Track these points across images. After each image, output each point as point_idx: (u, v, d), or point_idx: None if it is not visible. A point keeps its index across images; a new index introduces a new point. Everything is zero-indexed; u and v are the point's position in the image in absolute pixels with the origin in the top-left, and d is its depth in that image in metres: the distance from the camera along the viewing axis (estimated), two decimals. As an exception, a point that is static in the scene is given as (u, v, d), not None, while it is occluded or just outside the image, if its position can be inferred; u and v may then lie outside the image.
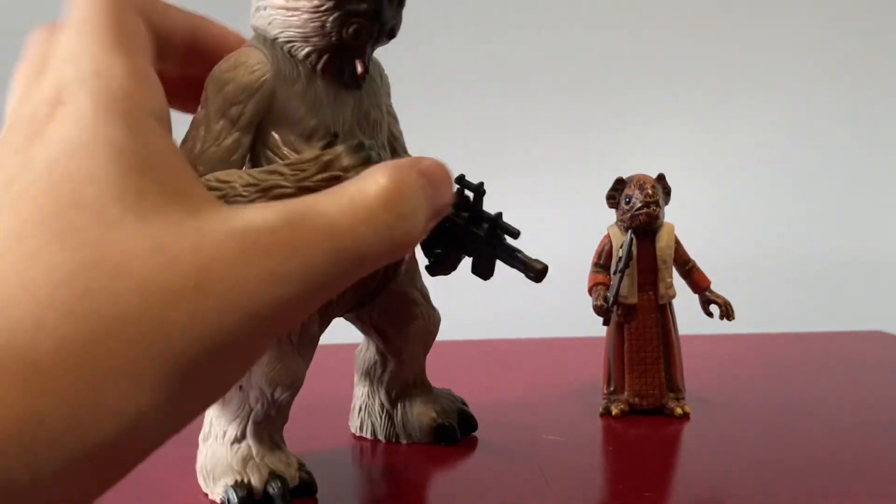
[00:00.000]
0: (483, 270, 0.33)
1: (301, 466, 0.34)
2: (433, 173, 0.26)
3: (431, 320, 0.40)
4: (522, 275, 0.33)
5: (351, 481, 0.37)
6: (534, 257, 0.32)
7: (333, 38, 0.31)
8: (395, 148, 0.37)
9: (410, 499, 0.35)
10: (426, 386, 0.41)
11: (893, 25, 0.85)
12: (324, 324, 0.36)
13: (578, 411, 0.46)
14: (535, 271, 0.32)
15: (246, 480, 0.33)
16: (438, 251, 0.34)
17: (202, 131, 0.30)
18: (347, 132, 0.33)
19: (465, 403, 0.42)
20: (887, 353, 0.60)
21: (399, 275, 0.37)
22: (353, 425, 0.42)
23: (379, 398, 0.41)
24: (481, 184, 0.33)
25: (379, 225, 0.23)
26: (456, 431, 0.40)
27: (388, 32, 0.33)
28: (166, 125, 0.24)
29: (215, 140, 0.30)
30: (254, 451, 0.34)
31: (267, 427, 0.34)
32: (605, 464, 0.39)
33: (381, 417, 0.41)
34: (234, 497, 0.33)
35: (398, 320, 0.39)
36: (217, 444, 0.34)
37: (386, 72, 0.37)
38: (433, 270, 0.34)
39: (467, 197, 0.33)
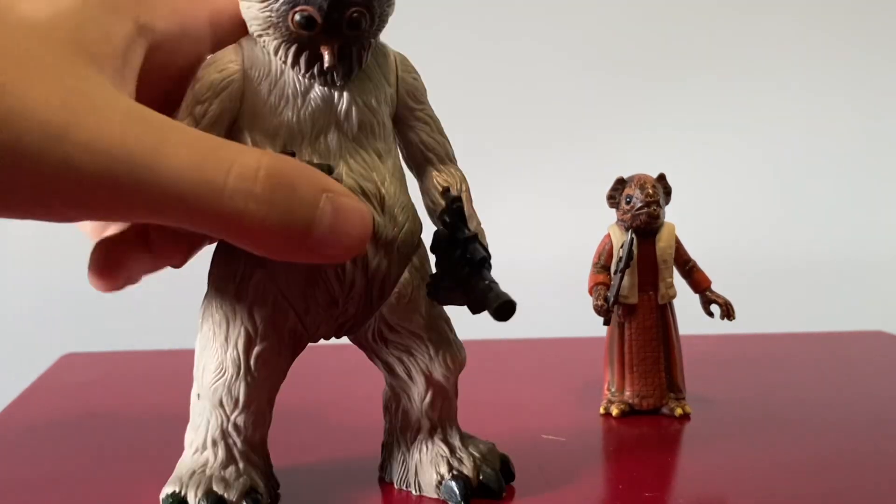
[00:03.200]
0: (470, 304, 0.29)
1: (250, 492, 0.31)
2: (344, 207, 0.27)
3: (446, 361, 0.33)
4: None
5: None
6: (503, 291, 0.28)
7: (287, 29, 0.29)
8: (426, 158, 0.33)
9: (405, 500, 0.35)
10: (448, 434, 0.34)
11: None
12: (291, 347, 0.32)
13: (578, 411, 0.46)
14: (493, 308, 0.28)
15: (182, 493, 0.31)
16: (433, 274, 0.31)
17: None
18: (316, 134, 0.30)
19: (504, 460, 0.35)
20: (888, 354, 0.60)
21: (384, 300, 0.32)
22: (379, 464, 0.37)
23: (395, 437, 0.35)
24: (453, 199, 0.31)
25: (215, 183, 0.24)
26: (462, 496, 0.33)
27: (359, 19, 0.29)
28: (144, 32, 0.27)
29: None
30: (209, 463, 0.32)
31: (234, 440, 0.32)
32: (605, 464, 0.39)
33: (397, 461, 0.35)
34: None
35: (402, 354, 0.34)
36: (188, 449, 0.33)
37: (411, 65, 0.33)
38: (430, 295, 0.31)
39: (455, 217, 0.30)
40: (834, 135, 0.85)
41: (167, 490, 0.32)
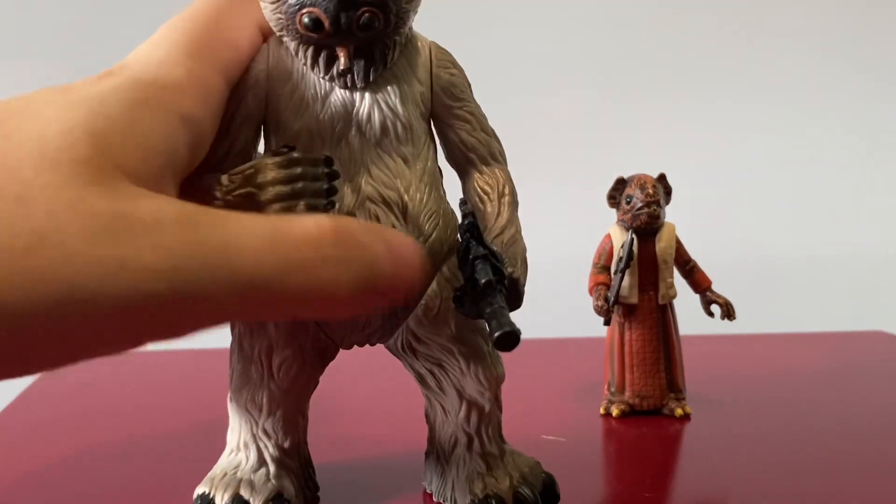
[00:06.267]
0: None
1: (276, 498, 0.31)
2: (396, 245, 0.24)
3: (479, 377, 0.32)
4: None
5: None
6: (507, 319, 0.26)
7: (299, 31, 0.28)
8: (467, 159, 0.31)
9: (407, 495, 0.35)
10: (487, 449, 0.32)
11: None
12: (317, 356, 0.32)
13: (578, 411, 0.46)
14: (493, 338, 0.26)
15: (211, 495, 0.31)
16: (459, 286, 0.29)
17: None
18: (336, 139, 0.29)
19: (549, 481, 0.33)
20: (888, 354, 0.60)
21: (409, 312, 0.31)
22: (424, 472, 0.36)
23: (435, 448, 0.34)
24: (464, 214, 0.29)
25: (292, 258, 0.22)
26: None
27: (371, 20, 0.27)
28: (188, 124, 0.25)
29: (218, 138, 0.29)
30: (241, 465, 0.32)
31: (265, 443, 0.32)
32: (605, 464, 0.39)
33: (436, 473, 0.34)
34: None
35: (433, 367, 0.32)
36: (226, 449, 0.33)
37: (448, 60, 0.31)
38: (456, 307, 0.29)
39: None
40: (834, 135, 0.85)
41: (199, 490, 0.32)
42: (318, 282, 0.22)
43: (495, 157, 0.31)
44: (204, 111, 0.26)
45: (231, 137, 0.29)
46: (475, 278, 0.27)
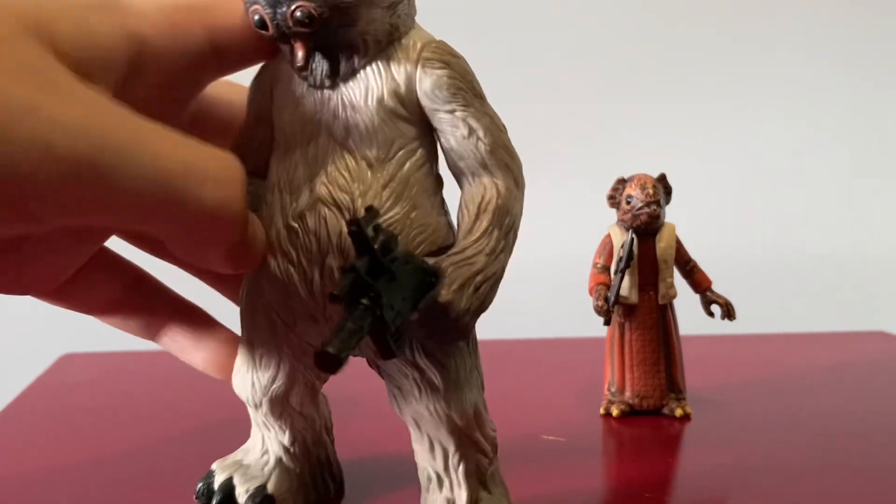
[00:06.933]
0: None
1: (258, 492, 0.31)
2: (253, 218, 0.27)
3: (435, 409, 0.28)
4: None
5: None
6: (336, 339, 0.22)
7: (258, 31, 0.27)
8: (458, 168, 0.28)
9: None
10: (455, 491, 0.30)
11: None
12: (299, 358, 0.30)
13: (578, 411, 0.46)
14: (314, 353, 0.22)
15: (214, 473, 0.33)
16: None
17: None
18: (307, 138, 0.28)
19: None
20: (888, 354, 0.60)
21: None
22: None
23: (420, 481, 0.31)
24: (349, 221, 0.23)
25: (200, 169, 0.23)
26: None
27: (308, 16, 0.26)
28: (133, 40, 0.26)
29: (240, 133, 0.30)
30: (249, 453, 0.33)
31: (268, 438, 0.32)
32: (605, 464, 0.39)
33: (423, 497, 0.31)
34: (199, 486, 0.33)
35: (394, 389, 0.30)
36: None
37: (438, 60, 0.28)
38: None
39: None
40: (834, 135, 0.85)
41: (213, 465, 0.33)
42: (207, 206, 0.23)
43: (490, 168, 0.27)
44: (160, 40, 0.27)
45: (248, 134, 0.30)
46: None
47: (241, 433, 0.35)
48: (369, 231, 0.23)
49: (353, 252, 0.25)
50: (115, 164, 0.21)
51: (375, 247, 0.23)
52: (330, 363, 0.22)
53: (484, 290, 0.26)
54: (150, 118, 0.24)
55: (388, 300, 0.23)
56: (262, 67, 0.30)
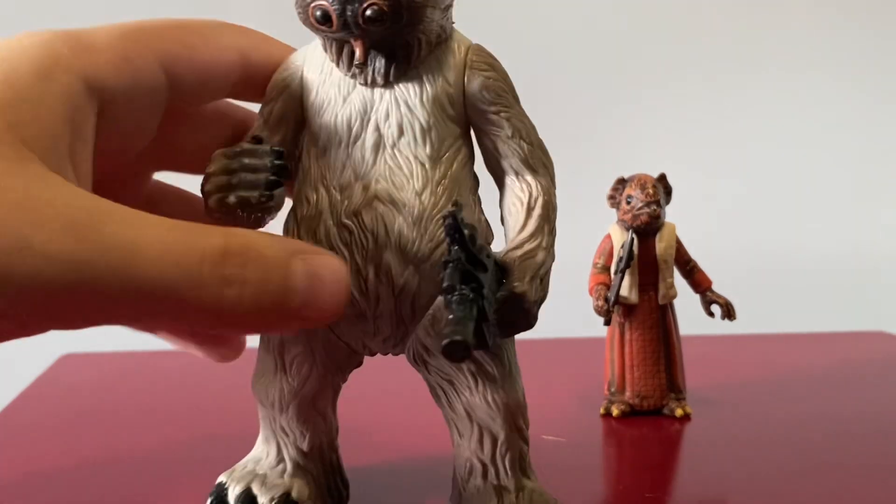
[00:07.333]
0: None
1: (283, 500, 0.31)
2: (317, 265, 0.24)
3: (487, 399, 0.29)
4: None
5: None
6: (460, 328, 0.23)
7: (313, 25, 0.27)
8: (501, 168, 0.29)
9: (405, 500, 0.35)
10: (502, 479, 0.30)
11: None
12: (330, 358, 0.30)
13: (578, 411, 0.46)
14: (441, 346, 0.23)
15: (226, 486, 0.31)
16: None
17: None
18: (353, 138, 0.28)
19: None
20: (888, 354, 0.60)
21: (416, 320, 0.29)
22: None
23: (455, 474, 0.31)
24: (444, 215, 0.25)
25: (194, 273, 0.22)
26: None
27: (379, 15, 0.26)
28: (94, 90, 0.25)
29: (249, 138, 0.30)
30: (261, 460, 0.32)
31: (285, 442, 0.32)
32: (605, 464, 0.39)
33: (455, 499, 0.32)
34: (210, 501, 0.31)
35: (444, 383, 0.30)
36: (257, 440, 0.33)
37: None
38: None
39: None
40: (834, 134, 0.85)
41: (220, 479, 0.32)
42: (217, 300, 0.22)
43: (533, 167, 0.29)
44: (118, 81, 0.25)
45: (270, 135, 0.29)
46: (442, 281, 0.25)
47: (241, 433, 0.35)
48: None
49: (409, 249, 0.28)
50: (117, 284, 0.21)
51: (467, 239, 0.25)
52: (459, 350, 0.23)
53: (546, 282, 0.28)
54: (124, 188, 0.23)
55: (488, 290, 0.25)
56: (281, 71, 0.29)
